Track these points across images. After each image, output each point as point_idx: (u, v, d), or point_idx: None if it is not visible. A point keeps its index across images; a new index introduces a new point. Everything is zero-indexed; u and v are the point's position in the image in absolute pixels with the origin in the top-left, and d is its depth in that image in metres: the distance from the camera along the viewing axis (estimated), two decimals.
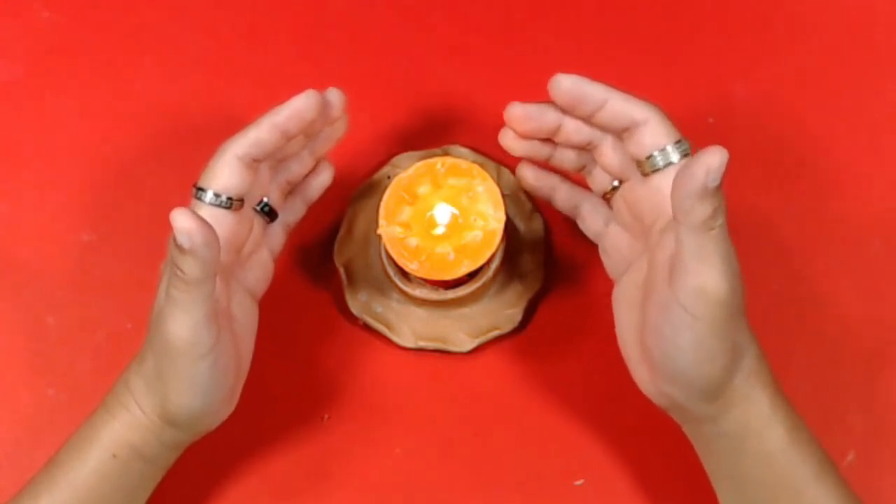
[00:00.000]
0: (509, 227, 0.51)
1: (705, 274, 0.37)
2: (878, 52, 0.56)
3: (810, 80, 0.55)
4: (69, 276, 0.52)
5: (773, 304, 0.51)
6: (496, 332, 0.50)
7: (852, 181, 0.53)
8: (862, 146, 0.54)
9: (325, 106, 0.43)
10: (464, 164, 0.47)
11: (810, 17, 0.57)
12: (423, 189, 0.47)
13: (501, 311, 0.50)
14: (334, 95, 0.44)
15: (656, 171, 0.41)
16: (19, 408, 0.50)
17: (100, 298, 0.52)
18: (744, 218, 0.52)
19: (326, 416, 0.50)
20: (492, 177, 0.47)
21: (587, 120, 0.42)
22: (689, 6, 0.57)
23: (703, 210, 0.36)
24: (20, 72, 0.56)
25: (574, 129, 0.43)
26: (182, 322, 0.38)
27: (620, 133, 0.42)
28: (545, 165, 0.47)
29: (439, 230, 0.46)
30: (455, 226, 0.47)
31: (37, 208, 0.53)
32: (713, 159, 0.35)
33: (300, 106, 0.41)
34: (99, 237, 0.53)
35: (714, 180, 0.35)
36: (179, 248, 0.36)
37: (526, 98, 0.43)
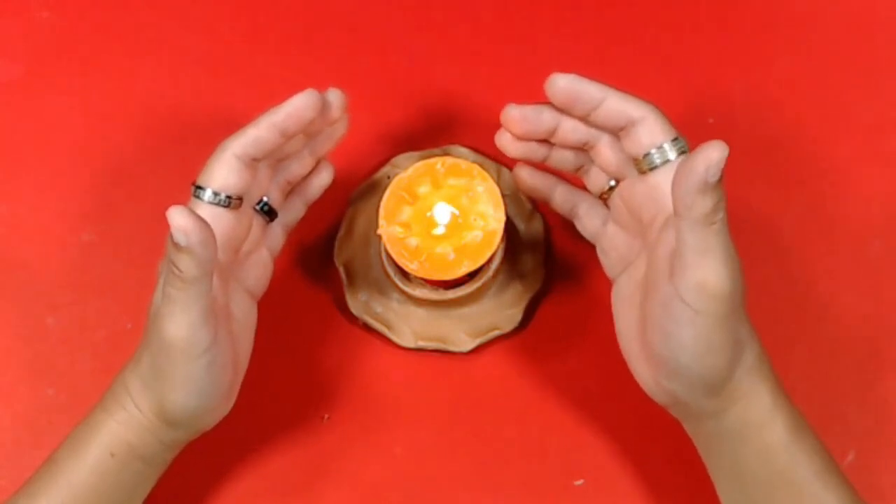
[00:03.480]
0: (509, 227, 0.51)
1: (707, 268, 0.37)
2: (878, 53, 0.56)
3: (810, 81, 0.55)
4: (69, 276, 0.52)
5: (774, 303, 0.51)
6: (496, 332, 0.50)
7: (852, 181, 0.53)
8: (862, 146, 0.54)
9: (324, 105, 0.43)
10: (464, 164, 0.47)
11: (810, 17, 0.57)
12: (423, 189, 0.47)
13: (501, 311, 0.50)
14: (334, 95, 0.44)
15: (654, 168, 0.41)
16: (19, 408, 0.50)
17: (100, 298, 0.52)
18: (744, 218, 0.52)
19: (326, 415, 0.50)
20: (492, 177, 0.47)
21: (584, 119, 0.43)
22: (689, 6, 0.57)
23: (704, 204, 0.36)
24: (20, 72, 0.56)
25: (570, 129, 0.43)
26: (179, 320, 0.38)
27: (617, 132, 0.42)
28: (542, 167, 0.47)
29: (439, 230, 0.46)
30: (455, 226, 0.47)
31: (37, 208, 0.53)
32: (713, 154, 0.35)
33: (299, 105, 0.42)
34: (99, 237, 0.53)
35: (714, 175, 0.35)
36: (176, 245, 0.36)
37: (526, 98, 0.43)
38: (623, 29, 0.57)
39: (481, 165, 0.47)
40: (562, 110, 0.43)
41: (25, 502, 0.41)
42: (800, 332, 0.51)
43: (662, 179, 0.40)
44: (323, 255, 0.52)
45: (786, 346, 0.50)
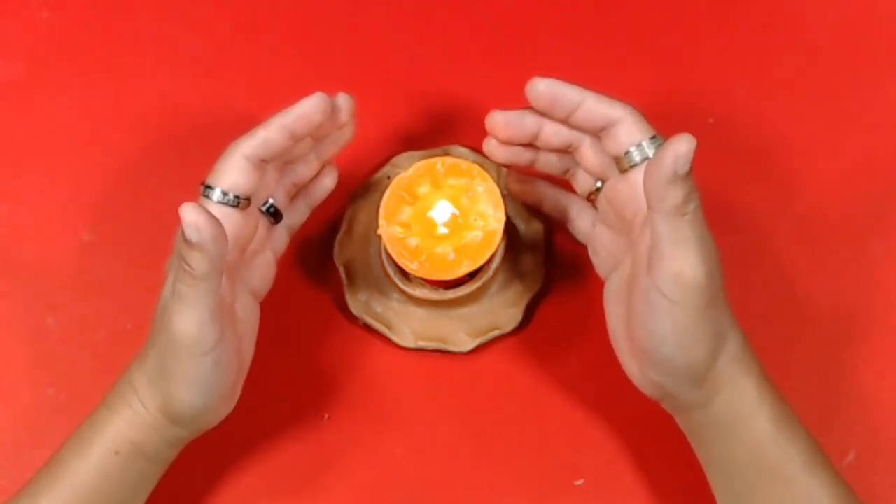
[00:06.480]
0: (509, 227, 0.51)
1: (681, 258, 0.37)
2: (878, 53, 0.56)
3: (810, 81, 0.55)
4: (69, 276, 0.52)
5: (773, 304, 0.51)
6: (496, 332, 0.50)
7: (852, 181, 0.53)
8: (862, 147, 0.54)
9: (333, 109, 0.43)
10: (464, 164, 0.47)
11: (810, 17, 0.57)
12: (423, 189, 0.47)
13: (501, 311, 0.50)
14: (343, 100, 0.45)
15: (633, 166, 0.41)
16: (19, 408, 0.50)
17: (100, 298, 0.52)
18: (743, 218, 0.52)
19: (326, 415, 0.50)
20: (492, 177, 0.47)
21: (565, 122, 0.43)
22: (689, 6, 0.57)
23: (674, 196, 0.36)
24: (20, 72, 0.56)
25: (553, 132, 0.44)
26: (188, 317, 0.38)
27: (598, 133, 0.43)
28: (532, 172, 0.47)
29: (440, 230, 0.46)
30: (455, 226, 0.47)
31: (37, 208, 0.53)
32: (681, 146, 0.36)
33: (309, 108, 0.42)
34: (99, 237, 0.53)
35: (683, 166, 0.36)
36: (188, 242, 0.37)
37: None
38: (623, 29, 0.57)
39: (481, 165, 0.47)
40: (543, 114, 0.44)
41: (28, 502, 0.41)
42: (799, 333, 0.51)
43: (642, 177, 0.40)
44: (323, 255, 0.52)
45: (785, 346, 0.50)
